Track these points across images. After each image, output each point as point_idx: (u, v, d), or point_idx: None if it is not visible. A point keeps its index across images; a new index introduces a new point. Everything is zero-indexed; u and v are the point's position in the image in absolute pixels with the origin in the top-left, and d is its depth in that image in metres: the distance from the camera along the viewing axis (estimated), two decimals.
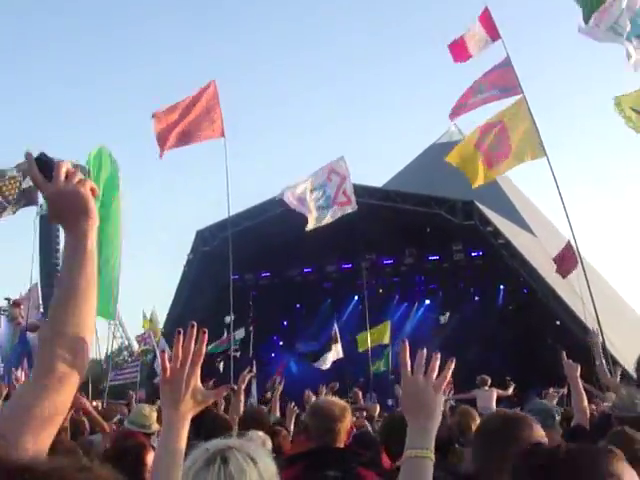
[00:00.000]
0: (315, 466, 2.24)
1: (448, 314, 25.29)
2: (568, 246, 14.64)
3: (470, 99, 10.87)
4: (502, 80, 10.50)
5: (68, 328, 1.42)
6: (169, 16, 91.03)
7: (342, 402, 3.97)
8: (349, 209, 11.68)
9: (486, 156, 10.60)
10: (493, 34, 10.89)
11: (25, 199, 1.81)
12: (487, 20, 10.98)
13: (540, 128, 10.10)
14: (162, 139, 10.94)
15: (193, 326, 1.91)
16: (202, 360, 1.95)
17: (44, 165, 1.55)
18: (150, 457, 3.99)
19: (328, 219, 11.52)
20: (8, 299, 29.93)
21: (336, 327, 13.94)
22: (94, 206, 1.55)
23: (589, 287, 9.44)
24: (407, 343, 2.05)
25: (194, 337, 1.93)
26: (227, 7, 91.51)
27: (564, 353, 5.58)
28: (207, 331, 1.94)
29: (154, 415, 6.55)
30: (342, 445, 3.56)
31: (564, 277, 16.49)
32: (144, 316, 16.39)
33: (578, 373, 5.40)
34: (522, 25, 71.50)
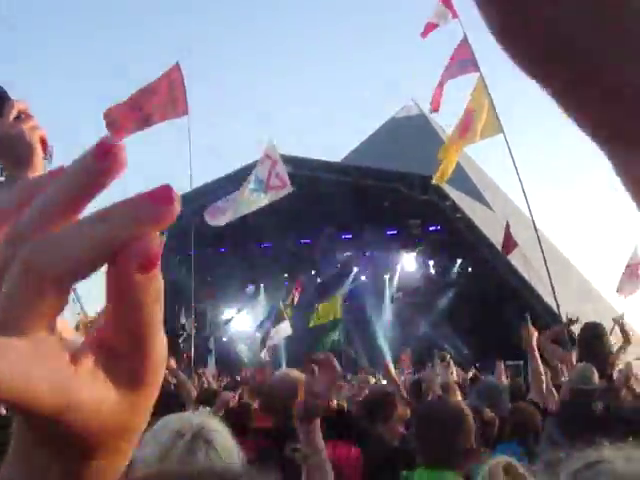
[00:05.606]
0: (277, 442, 2.17)
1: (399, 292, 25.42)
2: (506, 228, 14.66)
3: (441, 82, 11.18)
4: (461, 55, 10.75)
5: None
6: None
7: (295, 376, 3.50)
8: (284, 192, 11.44)
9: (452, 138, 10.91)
10: (453, 12, 11.08)
11: None
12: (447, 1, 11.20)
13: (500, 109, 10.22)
14: (115, 126, 10.70)
15: None
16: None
17: None
18: None
19: (264, 201, 11.39)
20: None
21: (282, 305, 13.70)
22: (39, 158, 1.32)
23: (544, 258, 9.46)
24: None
25: None
26: None
27: (528, 317, 5.45)
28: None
29: None
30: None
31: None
32: None
33: (534, 342, 5.17)
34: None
